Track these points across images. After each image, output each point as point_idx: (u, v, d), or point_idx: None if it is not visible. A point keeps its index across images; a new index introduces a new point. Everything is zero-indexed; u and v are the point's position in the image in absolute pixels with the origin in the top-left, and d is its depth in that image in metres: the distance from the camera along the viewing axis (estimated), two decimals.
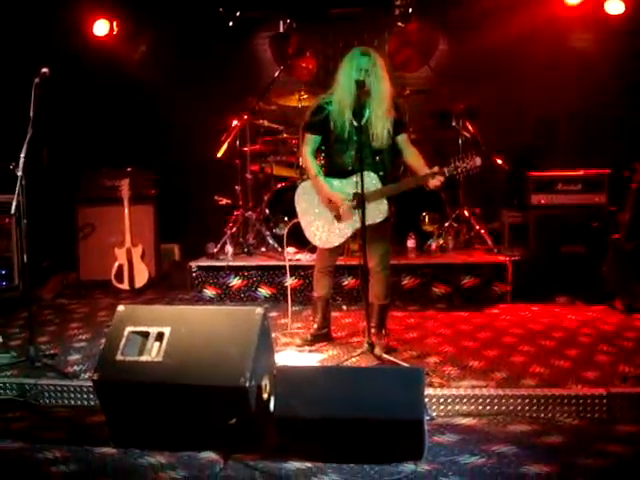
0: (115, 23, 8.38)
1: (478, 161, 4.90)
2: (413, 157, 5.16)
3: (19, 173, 4.97)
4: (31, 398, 4.66)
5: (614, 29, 7.86)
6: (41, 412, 4.54)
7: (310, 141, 5.16)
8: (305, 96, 7.74)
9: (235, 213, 7.65)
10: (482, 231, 7.42)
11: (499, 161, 7.50)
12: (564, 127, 8.41)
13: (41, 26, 7.85)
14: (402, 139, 5.16)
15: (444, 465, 3.65)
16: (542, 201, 6.93)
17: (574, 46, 8.26)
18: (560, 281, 6.71)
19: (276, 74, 7.87)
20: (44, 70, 5.03)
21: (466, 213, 7.54)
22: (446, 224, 7.42)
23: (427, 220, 7.43)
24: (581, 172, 6.92)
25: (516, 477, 3.51)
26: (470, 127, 7.54)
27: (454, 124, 7.66)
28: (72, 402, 4.64)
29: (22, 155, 4.96)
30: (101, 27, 8.34)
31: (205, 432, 3.89)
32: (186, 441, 3.90)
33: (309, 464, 3.68)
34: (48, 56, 5.86)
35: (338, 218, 5.07)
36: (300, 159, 6.67)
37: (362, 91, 4.85)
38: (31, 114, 4.97)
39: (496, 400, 4.32)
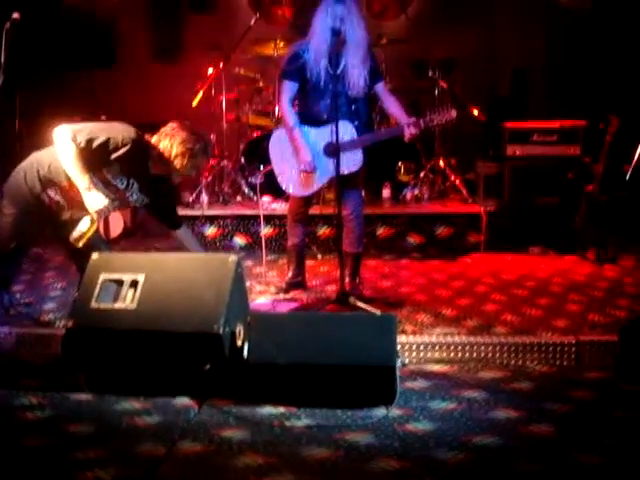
0: None
1: (454, 113, 4.93)
2: (392, 106, 5.16)
3: None
4: (6, 346, 4.68)
5: None
6: (17, 360, 4.56)
7: (287, 88, 5.13)
8: (281, 44, 7.67)
9: (211, 162, 7.61)
10: (457, 181, 7.44)
11: (475, 112, 7.49)
12: (540, 79, 8.41)
13: None
14: (380, 87, 5.16)
15: (415, 410, 3.72)
16: (517, 152, 6.93)
17: None
18: (534, 232, 6.76)
19: (252, 22, 7.78)
20: (15, 16, 4.94)
21: (442, 163, 7.54)
22: (422, 174, 7.43)
23: (403, 170, 7.44)
24: (557, 123, 6.92)
25: (485, 421, 3.58)
26: (447, 78, 7.50)
27: (431, 74, 7.63)
28: (47, 350, 4.66)
29: None
30: None
31: (180, 378, 3.94)
32: (161, 387, 3.94)
33: (282, 409, 3.74)
34: (19, 1, 5.75)
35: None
36: (277, 107, 6.64)
37: (338, 39, 4.82)
38: (2, 60, 4.89)
39: (467, 347, 4.39)
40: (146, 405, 3.82)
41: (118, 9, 8.50)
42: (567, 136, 6.86)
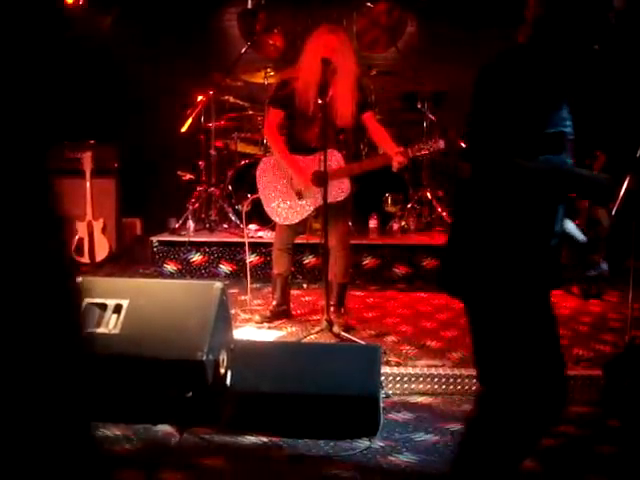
0: None
1: (442, 144, 4.94)
2: (380, 136, 5.17)
3: None
4: None
5: None
6: None
7: (274, 115, 5.15)
8: (272, 73, 7.68)
9: (198, 189, 7.60)
10: (444, 214, 7.45)
11: (463, 145, 7.52)
12: None
13: None
14: (368, 117, 5.16)
15: (398, 442, 3.69)
16: None
17: None
18: None
19: (243, 50, 7.81)
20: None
21: (429, 195, 7.56)
22: (408, 205, 7.44)
23: (390, 201, 7.45)
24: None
25: None
26: (435, 110, 7.54)
27: (419, 106, 7.67)
28: None
29: None
30: None
31: (161, 405, 3.89)
32: (142, 414, 3.89)
33: (264, 439, 3.70)
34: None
35: (299, 195, 5.07)
36: (264, 134, 6.66)
37: (328, 69, 4.84)
38: None
39: (452, 379, 4.37)
40: (127, 432, 3.77)
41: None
42: None
